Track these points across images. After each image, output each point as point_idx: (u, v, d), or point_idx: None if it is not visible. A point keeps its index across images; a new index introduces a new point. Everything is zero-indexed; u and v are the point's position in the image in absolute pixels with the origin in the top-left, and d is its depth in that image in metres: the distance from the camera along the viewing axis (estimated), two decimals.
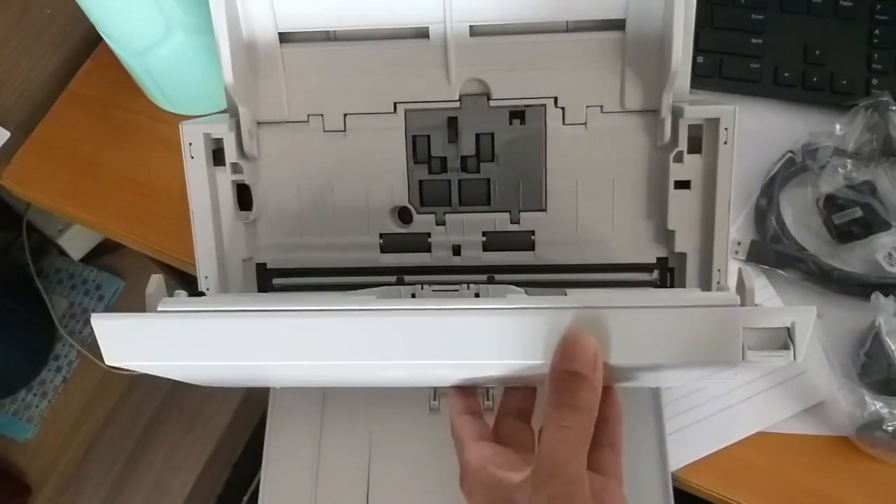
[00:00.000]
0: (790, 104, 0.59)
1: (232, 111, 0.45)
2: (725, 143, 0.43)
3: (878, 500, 0.47)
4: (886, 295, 0.48)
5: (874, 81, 0.57)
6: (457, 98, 0.45)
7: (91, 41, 0.66)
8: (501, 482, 0.34)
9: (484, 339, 0.32)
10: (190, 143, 0.44)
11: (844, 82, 0.58)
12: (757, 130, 0.58)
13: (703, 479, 0.48)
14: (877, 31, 0.59)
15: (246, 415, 1.22)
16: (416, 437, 0.49)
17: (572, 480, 0.31)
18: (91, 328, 1.04)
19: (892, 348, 0.45)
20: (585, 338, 0.31)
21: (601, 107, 0.45)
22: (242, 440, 1.23)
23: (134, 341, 0.33)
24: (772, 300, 0.53)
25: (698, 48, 0.59)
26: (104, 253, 1.06)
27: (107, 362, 0.33)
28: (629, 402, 0.48)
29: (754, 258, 0.53)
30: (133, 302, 1.09)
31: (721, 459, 0.48)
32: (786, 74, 0.58)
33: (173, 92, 0.59)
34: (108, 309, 1.07)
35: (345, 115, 0.46)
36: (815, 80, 0.58)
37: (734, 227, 0.55)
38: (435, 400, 0.50)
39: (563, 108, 0.45)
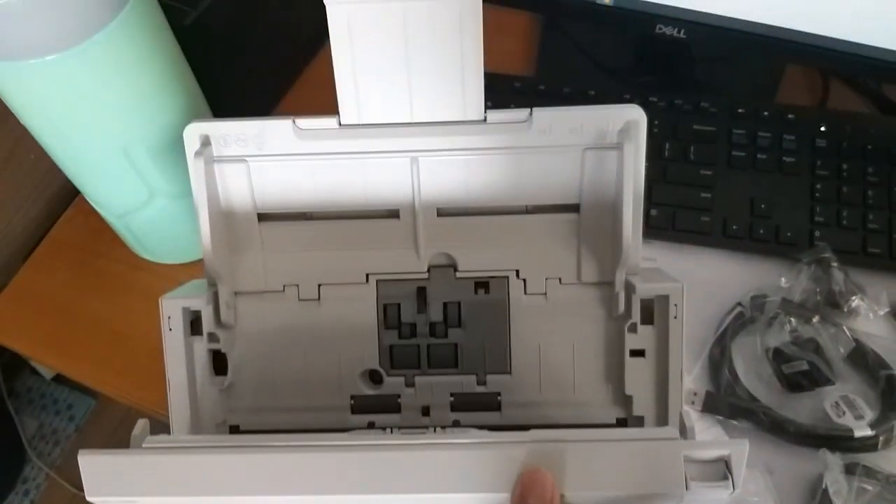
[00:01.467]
0: (740, 254, 0.63)
1: (210, 282, 0.47)
2: (675, 317, 0.45)
3: None
4: (833, 451, 0.50)
5: (817, 233, 0.62)
6: (425, 270, 0.48)
7: (73, 188, 0.68)
8: None
9: (448, 471, 0.34)
10: (169, 317, 0.46)
11: (789, 234, 0.62)
12: (709, 280, 0.61)
13: None
14: (818, 186, 0.63)
15: None
16: None
17: None
18: (60, 450, 1.04)
19: None
20: (542, 473, 0.33)
21: (559, 279, 0.48)
22: None
23: (120, 475, 0.34)
24: None
25: (652, 201, 0.63)
26: None
27: (87, 497, 0.34)
28: None
29: (709, 409, 0.55)
30: (104, 421, 1.09)
31: None
32: (734, 227, 0.62)
33: (154, 245, 0.62)
34: (78, 429, 1.06)
35: (319, 286, 0.48)
36: (761, 231, 0.62)
37: (690, 378, 0.57)
38: None
39: (524, 280, 0.48)
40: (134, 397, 0.60)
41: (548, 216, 0.47)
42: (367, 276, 0.48)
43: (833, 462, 0.49)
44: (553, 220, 0.47)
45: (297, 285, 0.48)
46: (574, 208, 0.47)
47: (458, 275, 0.48)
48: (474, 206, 0.47)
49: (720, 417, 0.55)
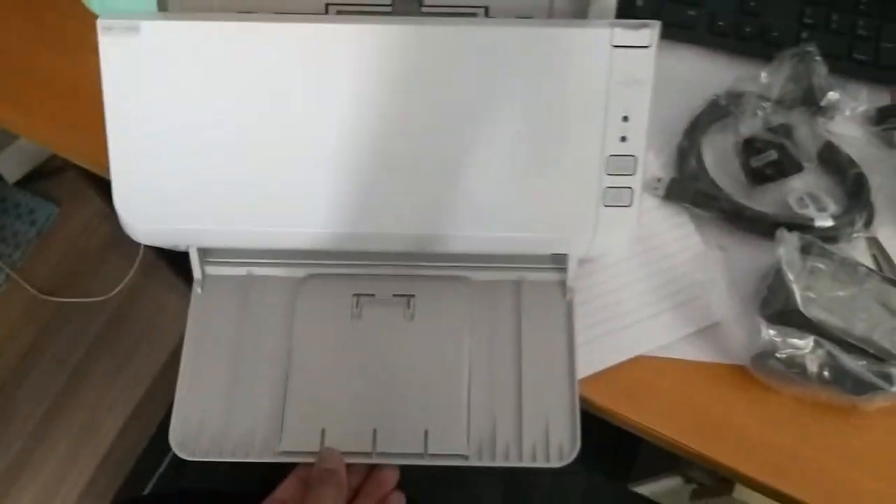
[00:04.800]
0: (723, 53, 0.60)
1: (161, 6, 0.45)
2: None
3: (772, 427, 0.49)
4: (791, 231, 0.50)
5: (804, 35, 0.59)
6: (388, 2, 0.46)
7: None
8: None
9: None
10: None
11: (776, 34, 0.59)
12: (688, 76, 0.59)
13: (607, 397, 0.50)
14: None
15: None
16: (337, 343, 0.50)
17: None
18: (21, 253, 1.02)
19: (791, 280, 0.47)
20: (333, 449, 0.46)
21: (530, 18, 0.46)
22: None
23: None
24: (691, 236, 0.54)
25: None
26: (40, 178, 1.05)
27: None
28: (543, 308, 0.51)
29: (672, 196, 0.54)
30: (66, 228, 1.07)
31: (625, 381, 0.50)
32: (720, 23, 0.60)
33: None
34: (39, 234, 1.05)
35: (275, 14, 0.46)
36: (748, 30, 0.59)
37: (657, 163, 0.56)
38: (357, 308, 0.50)
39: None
40: (82, 150, 0.58)
41: None
42: (327, 6, 0.46)
43: (789, 238, 0.49)
44: None
45: (251, 12, 0.46)
46: None
47: (424, 9, 0.46)
48: None
49: (684, 205, 0.54)
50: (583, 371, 0.50)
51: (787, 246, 0.48)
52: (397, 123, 0.44)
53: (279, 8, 0.46)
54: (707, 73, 0.59)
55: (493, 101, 0.44)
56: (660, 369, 0.50)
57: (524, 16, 0.46)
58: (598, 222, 0.45)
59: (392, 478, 0.48)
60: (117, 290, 1.01)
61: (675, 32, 0.60)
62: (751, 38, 0.59)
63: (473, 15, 0.46)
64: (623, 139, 0.44)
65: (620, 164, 0.44)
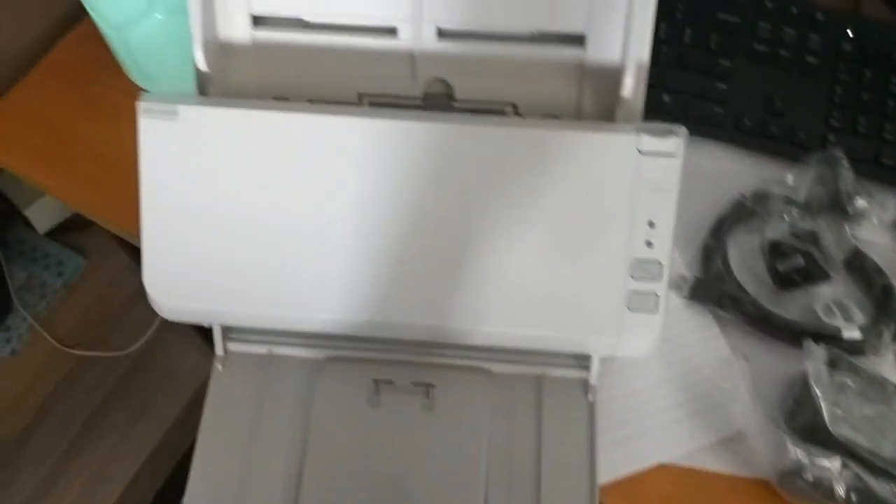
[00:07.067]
0: (749, 151, 0.60)
1: (201, 90, 0.46)
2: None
3: None
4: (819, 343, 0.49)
5: (830, 138, 0.59)
6: (420, 95, 0.46)
7: (78, 12, 0.66)
8: None
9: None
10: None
11: (802, 136, 0.59)
12: (715, 173, 0.59)
13: None
14: (837, 90, 0.61)
15: (197, 410, 1.21)
16: (354, 431, 0.49)
17: None
18: (47, 303, 1.03)
19: (819, 396, 0.46)
20: None
21: (556, 118, 0.46)
22: (190, 438, 1.21)
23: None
24: (716, 339, 0.54)
25: (665, 88, 0.61)
26: (70, 230, 1.06)
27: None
28: (565, 406, 0.50)
29: (696, 296, 0.54)
30: (93, 282, 1.08)
31: (644, 490, 0.49)
32: (747, 122, 0.60)
33: (151, 70, 0.60)
34: (66, 286, 1.06)
35: (309, 101, 0.47)
36: (774, 130, 0.60)
37: (681, 262, 0.56)
38: (376, 394, 0.50)
39: (520, 116, 0.46)
40: (119, 220, 0.59)
41: (552, 47, 0.45)
42: (360, 95, 0.47)
43: (817, 352, 0.48)
44: (557, 52, 0.45)
45: (287, 98, 0.47)
46: (579, 41, 0.45)
47: (454, 104, 0.46)
48: (477, 29, 0.45)
49: (709, 307, 0.54)
50: (602, 476, 0.49)
51: (815, 360, 0.47)
52: (422, 216, 0.44)
53: (313, 95, 0.47)
54: (733, 171, 0.59)
55: (518, 199, 0.44)
56: (681, 479, 0.49)
57: (552, 115, 0.46)
58: (622, 326, 0.45)
59: None
60: (137, 345, 1.02)
61: (702, 129, 0.60)
62: (777, 138, 0.59)
63: (502, 112, 0.46)
64: (649, 244, 0.43)
65: (646, 268, 0.44)
